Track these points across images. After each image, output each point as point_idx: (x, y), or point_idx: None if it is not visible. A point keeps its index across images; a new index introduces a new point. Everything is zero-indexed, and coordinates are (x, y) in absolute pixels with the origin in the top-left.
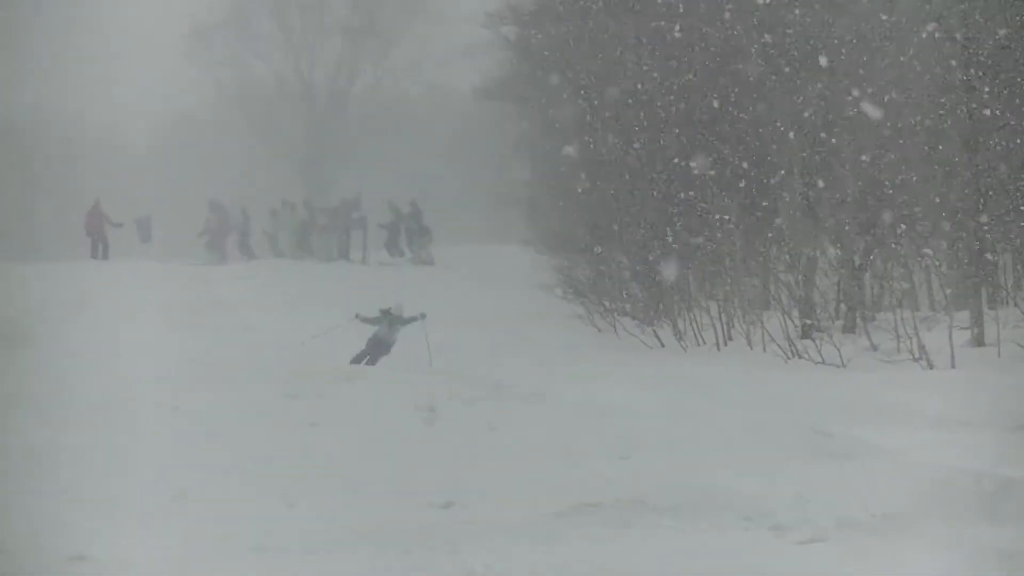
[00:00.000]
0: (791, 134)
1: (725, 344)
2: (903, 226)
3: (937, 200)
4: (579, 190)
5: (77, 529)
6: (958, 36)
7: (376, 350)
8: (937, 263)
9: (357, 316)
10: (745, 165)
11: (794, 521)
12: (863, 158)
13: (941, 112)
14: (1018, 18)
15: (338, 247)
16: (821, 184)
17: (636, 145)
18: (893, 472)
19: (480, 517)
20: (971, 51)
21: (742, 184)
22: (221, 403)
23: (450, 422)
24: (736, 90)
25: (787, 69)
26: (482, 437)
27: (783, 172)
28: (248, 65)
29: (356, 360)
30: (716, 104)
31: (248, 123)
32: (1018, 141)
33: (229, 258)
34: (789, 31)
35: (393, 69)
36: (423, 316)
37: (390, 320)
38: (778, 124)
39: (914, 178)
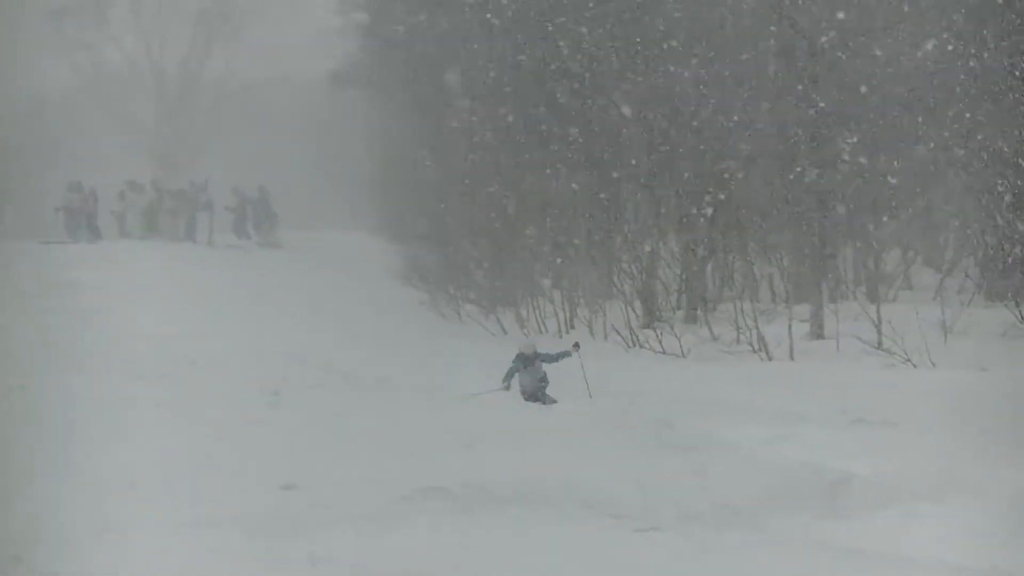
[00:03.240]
0: (641, 116)
1: (567, 332)
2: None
3: (781, 195)
4: (425, 177)
5: None
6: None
7: (534, 393)
8: (779, 256)
9: (504, 383)
10: (591, 155)
11: (634, 510)
12: (708, 154)
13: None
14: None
15: (185, 229)
16: (666, 178)
17: (484, 133)
18: (734, 464)
19: (324, 501)
20: (816, 50)
21: (588, 174)
22: (68, 386)
23: (295, 407)
24: (586, 82)
25: (640, 65)
26: (327, 423)
27: (631, 163)
28: (101, 49)
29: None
30: (563, 97)
31: (101, 106)
32: (857, 141)
33: (86, 237)
34: (637, 23)
35: (245, 54)
36: (577, 347)
37: (525, 361)
38: (626, 117)
39: (758, 173)
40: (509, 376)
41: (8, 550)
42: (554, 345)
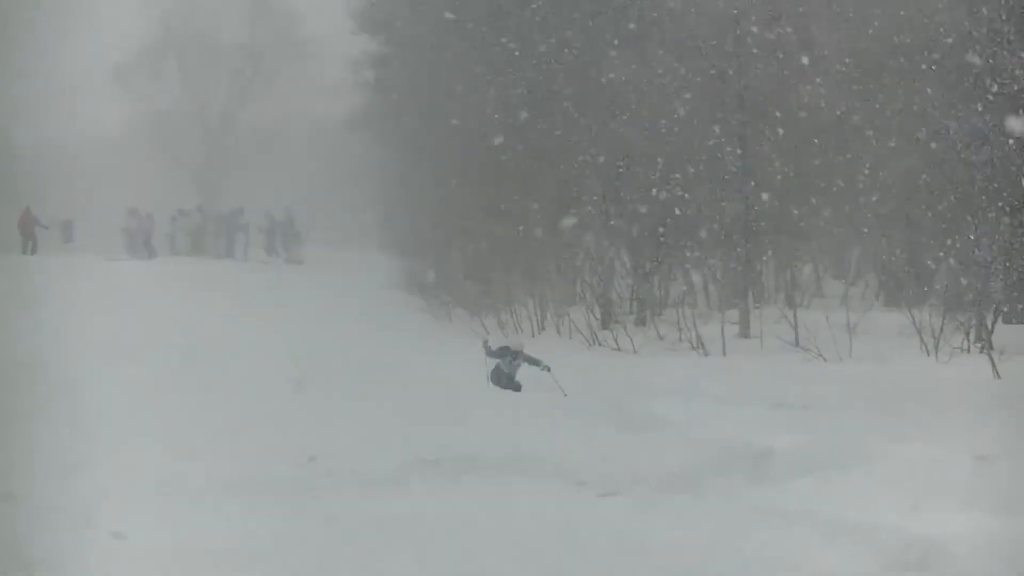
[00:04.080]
0: (599, 158)
1: (539, 332)
2: (686, 240)
3: (714, 219)
4: (422, 207)
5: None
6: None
7: (499, 381)
8: (713, 269)
9: (484, 346)
10: (556, 194)
11: (596, 477)
12: (653, 188)
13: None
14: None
15: (225, 247)
16: (619, 205)
17: (469, 171)
18: (678, 439)
19: (339, 469)
20: (741, 93)
21: (555, 203)
22: (125, 372)
23: (316, 391)
24: (550, 129)
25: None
26: (342, 404)
27: (591, 195)
28: (155, 97)
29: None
30: (531, 144)
31: (153, 144)
32: (771, 168)
33: (143, 254)
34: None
35: (273, 102)
36: (548, 368)
37: (512, 355)
38: (587, 157)
39: (695, 203)
40: (492, 355)
41: (84, 508)
42: (528, 342)
